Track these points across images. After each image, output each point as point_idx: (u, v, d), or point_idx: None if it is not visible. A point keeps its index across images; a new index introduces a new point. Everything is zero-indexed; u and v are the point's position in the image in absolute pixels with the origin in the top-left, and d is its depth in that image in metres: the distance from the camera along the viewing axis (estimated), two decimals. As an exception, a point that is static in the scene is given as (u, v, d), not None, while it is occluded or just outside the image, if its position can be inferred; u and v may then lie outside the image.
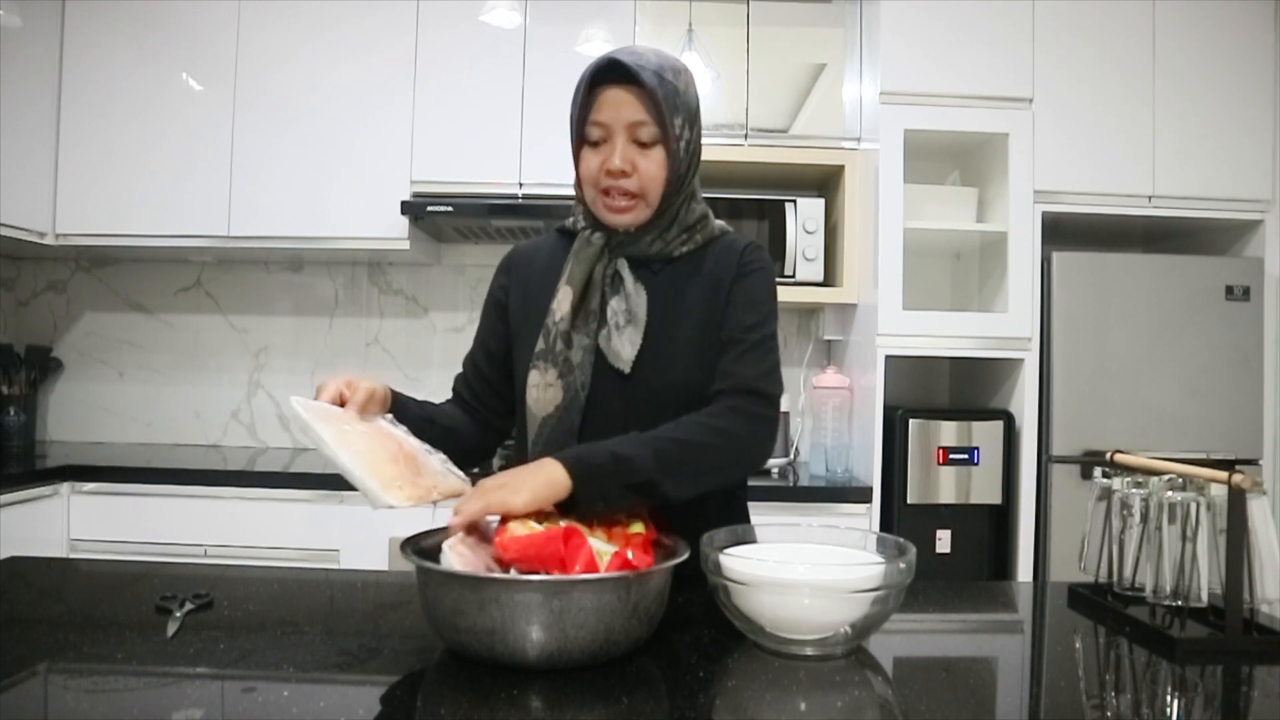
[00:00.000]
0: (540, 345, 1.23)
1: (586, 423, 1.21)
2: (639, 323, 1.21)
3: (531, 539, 0.95)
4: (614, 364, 1.21)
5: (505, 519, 1.01)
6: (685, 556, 1.01)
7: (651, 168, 1.21)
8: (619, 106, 1.19)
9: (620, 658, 0.94)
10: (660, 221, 1.25)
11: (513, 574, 0.95)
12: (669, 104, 1.19)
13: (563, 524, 1.00)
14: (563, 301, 1.23)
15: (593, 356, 1.22)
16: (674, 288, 1.26)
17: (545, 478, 1.03)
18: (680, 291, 1.26)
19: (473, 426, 1.37)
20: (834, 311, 2.87)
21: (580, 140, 1.23)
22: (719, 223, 1.31)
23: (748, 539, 1.13)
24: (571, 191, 1.34)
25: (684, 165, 1.24)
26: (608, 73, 1.19)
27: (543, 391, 1.22)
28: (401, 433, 1.16)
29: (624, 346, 1.20)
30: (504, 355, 1.36)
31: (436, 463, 1.15)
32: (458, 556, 0.96)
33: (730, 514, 1.28)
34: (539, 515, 1.02)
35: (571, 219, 1.33)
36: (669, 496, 1.09)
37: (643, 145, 1.20)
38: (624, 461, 1.06)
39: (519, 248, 1.40)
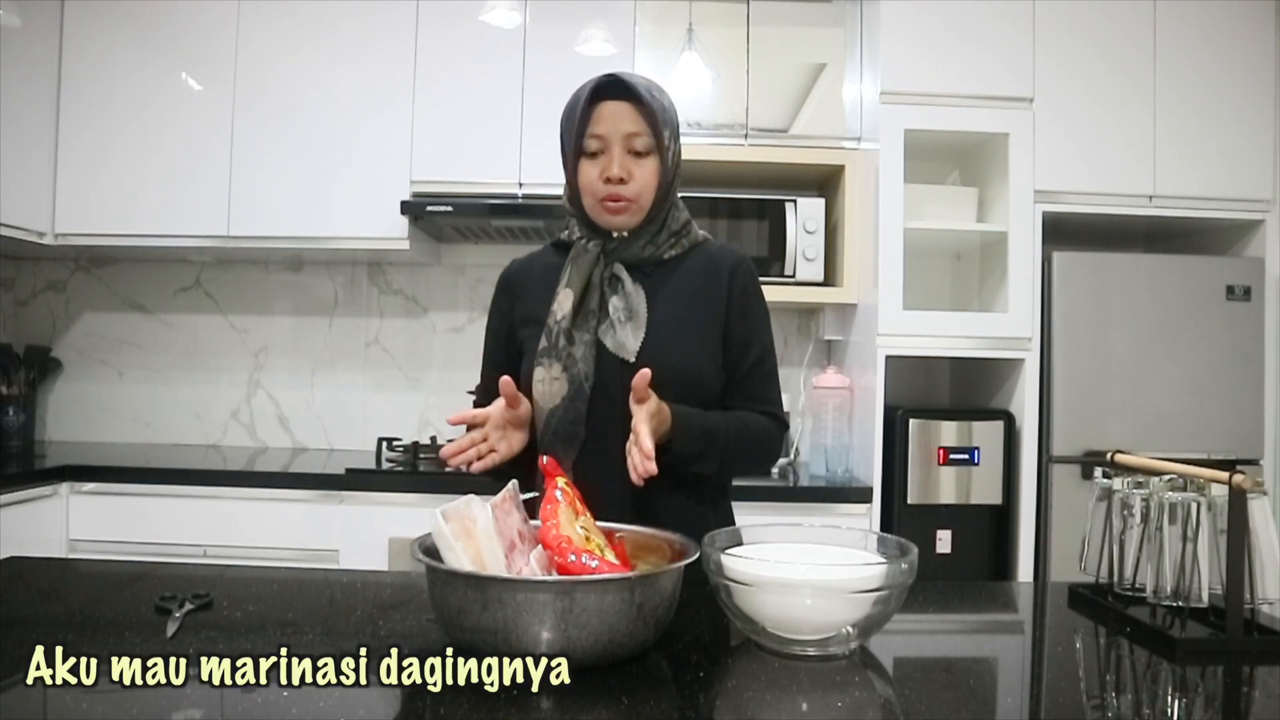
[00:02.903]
0: (543, 344, 1.31)
1: (592, 410, 1.29)
2: (640, 318, 1.31)
3: (585, 571, 0.95)
4: (619, 354, 1.29)
5: (553, 512, 1.03)
6: (693, 559, 1.01)
7: (645, 175, 1.31)
8: (617, 120, 1.29)
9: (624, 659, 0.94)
10: (650, 226, 1.36)
11: (526, 572, 0.97)
12: (661, 118, 1.31)
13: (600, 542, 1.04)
14: (563, 303, 1.31)
15: (594, 350, 1.30)
16: (666, 286, 1.36)
17: (661, 417, 1.21)
18: (673, 289, 1.36)
19: None
20: (834, 311, 2.87)
21: (578, 153, 1.31)
22: (700, 231, 1.43)
23: (749, 539, 1.13)
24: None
25: (671, 174, 1.35)
26: (605, 89, 1.29)
27: (549, 385, 1.29)
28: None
29: (628, 338, 1.30)
30: (511, 358, 1.40)
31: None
32: (494, 521, 0.99)
33: (721, 515, 1.39)
34: (582, 506, 1.08)
35: (565, 231, 1.40)
36: (720, 463, 1.30)
37: (637, 155, 1.31)
38: (709, 419, 1.28)
39: (516, 263, 1.48)
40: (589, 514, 1.09)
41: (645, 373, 1.16)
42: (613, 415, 1.27)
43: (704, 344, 1.34)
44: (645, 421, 1.15)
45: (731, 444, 1.31)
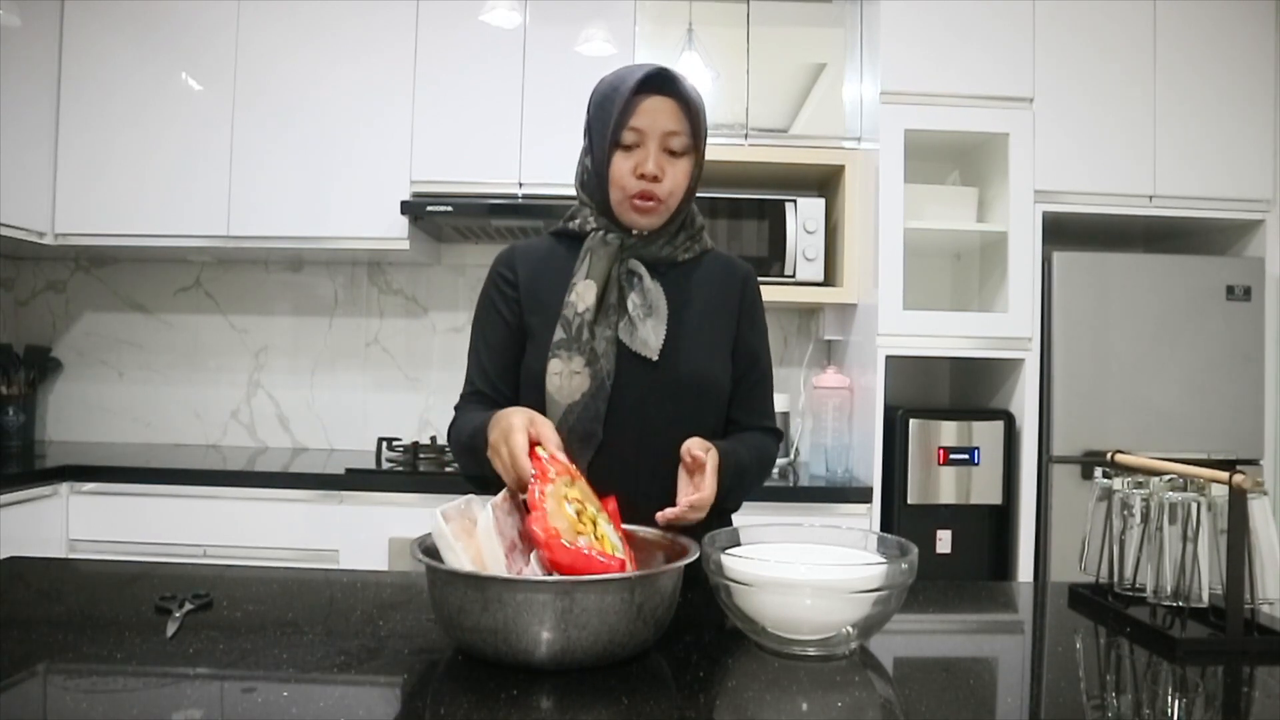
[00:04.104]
0: (560, 335, 1.26)
1: (611, 408, 1.26)
2: (660, 314, 1.29)
3: (578, 558, 0.94)
4: (641, 352, 1.27)
5: (538, 502, 0.99)
6: (693, 558, 1.01)
7: (678, 176, 1.29)
8: (658, 115, 1.26)
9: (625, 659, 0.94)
10: (670, 226, 1.34)
11: (527, 572, 0.98)
12: (701, 119, 1.29)
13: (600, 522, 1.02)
14: (584, 294, 1.27)
15: (615, 347, 1.27)
16: (681, 288, 1.35)
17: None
18: (688, 291, 1.35)
19: None
20: (834, 311, 2.87)
21: (613, 144, 1.27)
22: (706, 238, 1.43)
23: (749, 539, 1.13)
24: (571, 192, 1.38)
25: (698, 176, 1.33)
26: (652, 82, 1.25)
27: (567, 379, 1.25)
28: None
29: (650, 336, 1.27)
30: (519, 342, 1.34)
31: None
32: (494, 521, 0.99)
33: (721, 516, 1.37)
34: (576, 485, 1.06)
35: (575, 221, 1.35)
36: (742, 497, 1.33)
37: (673, 154, 1.28)
38: (740, 457, 1.27)
39: (518, 246, 1.41)
40: (580, 477, 1.07)
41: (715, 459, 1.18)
42: (630, 415, 1.26)
43: (719, 349, 1.35)
44: (714, 475, 1.16)
45: (752, 476, 1.33)
